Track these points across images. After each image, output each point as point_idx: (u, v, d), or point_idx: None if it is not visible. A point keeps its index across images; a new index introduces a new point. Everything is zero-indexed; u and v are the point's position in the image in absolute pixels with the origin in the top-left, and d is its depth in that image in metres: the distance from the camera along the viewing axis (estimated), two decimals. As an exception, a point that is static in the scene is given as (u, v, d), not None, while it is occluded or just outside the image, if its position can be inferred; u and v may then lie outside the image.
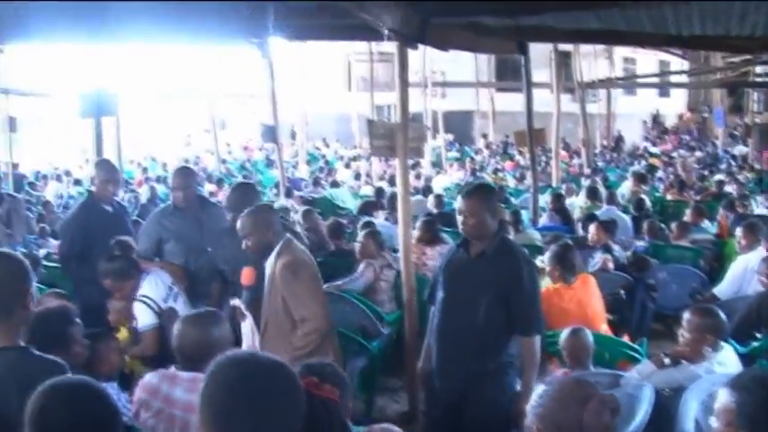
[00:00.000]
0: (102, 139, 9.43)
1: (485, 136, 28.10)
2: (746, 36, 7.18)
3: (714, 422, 2.18)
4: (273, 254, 3.94)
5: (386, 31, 4.94)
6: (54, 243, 8.29)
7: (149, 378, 3.01)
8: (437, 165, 20.75)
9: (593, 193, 10.16)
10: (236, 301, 4.09)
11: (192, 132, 28.00)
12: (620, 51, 29.15)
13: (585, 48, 21.06)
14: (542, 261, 6.55)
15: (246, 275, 4.16)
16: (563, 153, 22.93)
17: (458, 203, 3.80)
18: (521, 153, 24.00)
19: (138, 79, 21.37)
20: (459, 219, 3.77)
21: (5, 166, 14.95)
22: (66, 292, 4.70)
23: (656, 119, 33.40)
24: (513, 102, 28.03)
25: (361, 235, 6.61)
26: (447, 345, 3.80)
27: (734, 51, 12.47)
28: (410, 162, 19.96)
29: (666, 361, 3.98)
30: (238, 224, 4.05)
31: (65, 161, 22.29)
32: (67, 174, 19.16)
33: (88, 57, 12.81)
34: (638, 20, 6.78)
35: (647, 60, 30.55)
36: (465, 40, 7.02)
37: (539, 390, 2.35)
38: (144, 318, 4.22)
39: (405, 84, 5.49)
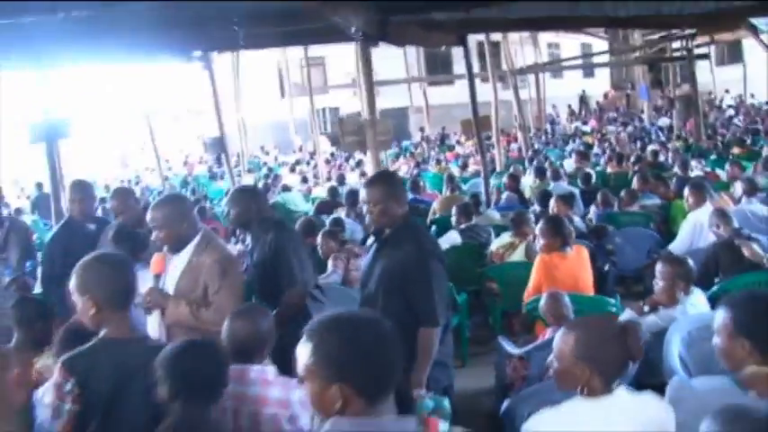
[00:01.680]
0: (55, 164, 9.39)
1: (422, 130, 28.57)
2: (676, 14, 7.70)
3: (716, 339, 2.52)
4: (192, 246, 3.76)
5: (352, 31, 5.19)
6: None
7: None
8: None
9: (540, 172, 10.71)
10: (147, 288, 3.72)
11: (126, 152, 27.67)
12: (545, 37, 30.09)
13: (512, 36, 21.71)
14: (511, 237, 6.99)
15: (157, 263, 3.79)
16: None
17: (361, 194, 3.85)
18: (459, 143, 24.57)
19: (78, 101, 20.98)
20: (365, 209, 3.83)
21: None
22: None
23: (583, 99, 34.50)
24: (444, 95, 28.75)
25: (318, 237, 6.80)
26: None
27: (666, 28, 13.12)
28: (353, 161, 20.15)
29: (646, 309, 4.38)
30: (148, 216, 3.82)
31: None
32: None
33: (22, 82, 12.59)
34: (577, 5, 7.22)
35: (570, 44, 31.59)
36: (416, 35, 7.34)
37: (566, 335, 2.50)
38: None
39: (370, 83, 5.78)
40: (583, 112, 33.40)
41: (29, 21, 6.03)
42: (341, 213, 9.66)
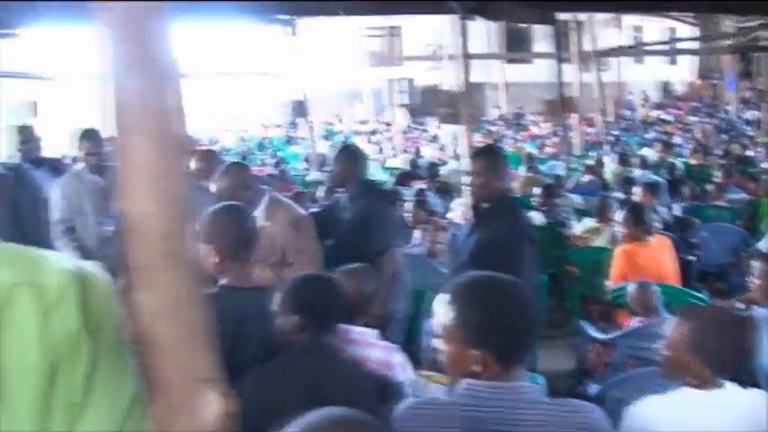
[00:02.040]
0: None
1: (498, 107, 28.26)
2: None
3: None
4: (260, 210, 3.80)
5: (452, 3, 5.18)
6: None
7: None
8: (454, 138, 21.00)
9: (623, 158, 10.53)
10: None
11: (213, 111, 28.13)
12: (628, 20, 29.25)
13: (597, 16, 21.20)
14: (594, 221, 6.93)
15: None
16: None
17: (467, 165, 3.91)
18: (535, 123, 24.25)
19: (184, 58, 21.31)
20: (469, 180, 3.87)
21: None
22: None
23: (666, 86, 33.51)
24: (522, 73, 28.31)
25: (409, 204, 6.86)
26: None
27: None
28: (431, 134, 20.10)
29: (740, 306, 4.29)
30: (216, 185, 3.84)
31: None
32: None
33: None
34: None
35: (654, 28, 30.63)
36: (511, 11, 7.27)
37: (680, 324, 2.46)
38: None
39: (467, 55, 5.76)
40: (663, 101, 32.47)
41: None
42: (421, 186, 9.71)
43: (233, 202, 3.20)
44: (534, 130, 22.32)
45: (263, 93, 27.51)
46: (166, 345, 1.11)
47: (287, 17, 12.08)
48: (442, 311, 1.87)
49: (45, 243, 4.55)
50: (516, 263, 3.51)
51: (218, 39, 19.73)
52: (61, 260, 1.17)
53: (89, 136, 5.26)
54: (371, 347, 3.01)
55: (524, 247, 3.61)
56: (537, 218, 7.33)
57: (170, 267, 1.10)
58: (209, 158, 5.42)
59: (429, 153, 15.26)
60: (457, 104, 5.63)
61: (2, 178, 4.84)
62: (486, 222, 3.69)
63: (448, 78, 23.11)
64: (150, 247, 1.10)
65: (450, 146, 16.35)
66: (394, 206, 4.86)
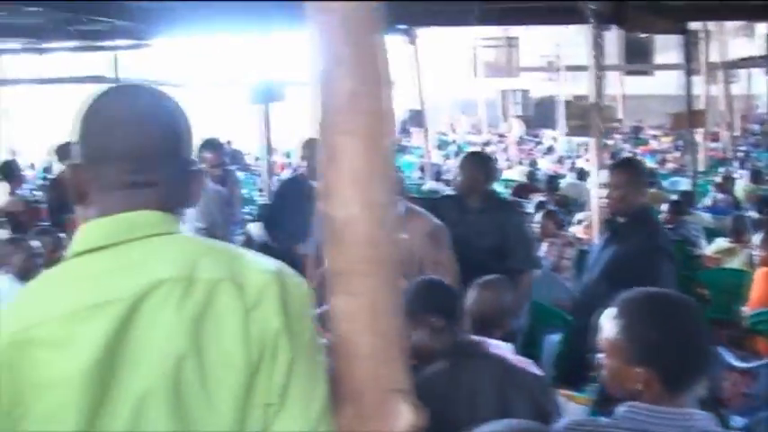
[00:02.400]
0: (269, 125, 10.03)
1: (618, 120, 27.39)
2: None
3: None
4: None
5: (589, 12, 5.04)
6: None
7: None
8: (570, 150, 20.55)
9: (757, 176, 10.00)
10: None
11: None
12: (761, 28, 27.75)
13: (726, 25, 20.26)
14: (727, 241, 6.59)
15: None
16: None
17: (605, 177, 3.76)
18: (655, 137, 23.37)
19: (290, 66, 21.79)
20: (605, 193, 3.72)
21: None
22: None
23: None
24: (641, 85, 27.35)
25: (538, 216, 6.72)
26: None
27: None
28: (545, 146, 19.75)
29: None
30: None
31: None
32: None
33: (246, 48, 13.40)
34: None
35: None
36: (644, 20, 7.03)
37: None
38: None
39: (600, 67, 5.60)
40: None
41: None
42: (540, 198, 9.53)
43: None
44: (653, 144, 21.52)
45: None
46: (361, 352, 1.10)
47: (406, 26, 12.12)
48: (607, 325, 1.80)
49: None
50: (656, 280, 3.36)
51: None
52: (261, 260, 1.18)
53: (210, 146, 5.39)
54: (508, 361, 2.94)
55: (665, 263, 3.46)
56: (665, 235, 7.05)
57: (371, 274, 1.08)
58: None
59: (545, 165, 14.97)
60: (588, 116, 5.47)
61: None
62: (623, 237, 3.57)
63: (565, 89, 22.76)
64: (353, 251, 1.08)
65: (568, 158, 16.01)
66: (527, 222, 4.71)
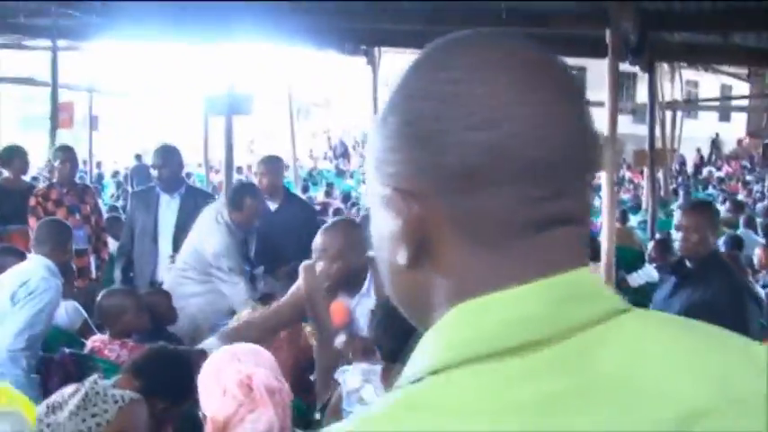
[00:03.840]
0: (231, 137, 9.38)
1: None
2: None
3: None
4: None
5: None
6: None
7: None
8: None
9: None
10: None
11: (254, 139, 28.21)
12: (684, 74, 28.92)
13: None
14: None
15: (339, 312, 3.10)
16: (631, 175, 22.88)
17: (678, 219, 3.65)
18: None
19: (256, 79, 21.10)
20: (679, 235, 3.59)
21: (87, 165, 15.22)
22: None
23: (715, 143, 33.11)
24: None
25: None
26: None
27: None
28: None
29: None
30: (319, 241, 3.04)
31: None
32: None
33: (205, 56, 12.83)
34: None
35: (708, 83, 30.27)
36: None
37: None
38: None
39: (615, 101, 5.51)
40: (713, 158, 32.06)
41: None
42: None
43: None
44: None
45: (310, 122, 27.51)
46: None
47: (365, 47, 11.89)
48: None
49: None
50: (746, 321, 3.25)
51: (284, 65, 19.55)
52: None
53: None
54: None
55: (751, 306, 3.34)
56: (652, 274, 7.02)
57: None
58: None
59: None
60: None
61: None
62: (701, 280, 3.43)
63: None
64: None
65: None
66: None
